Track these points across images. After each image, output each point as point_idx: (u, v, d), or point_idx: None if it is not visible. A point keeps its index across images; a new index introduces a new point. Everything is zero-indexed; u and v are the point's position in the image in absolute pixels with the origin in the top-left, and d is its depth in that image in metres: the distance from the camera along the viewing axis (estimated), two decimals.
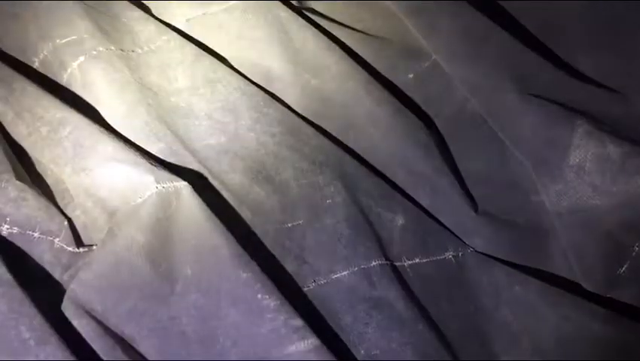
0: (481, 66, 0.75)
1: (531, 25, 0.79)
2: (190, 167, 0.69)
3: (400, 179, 0.75)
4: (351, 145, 0.76)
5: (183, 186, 0.64)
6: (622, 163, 0.66)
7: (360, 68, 0.79)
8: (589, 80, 0.74)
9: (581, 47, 0.77)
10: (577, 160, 0.68)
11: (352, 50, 0.81)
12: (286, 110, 0.76)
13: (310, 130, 0.75)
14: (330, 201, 0.70)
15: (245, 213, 0.68)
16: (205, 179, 0.68)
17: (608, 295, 0.67)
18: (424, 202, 0.74)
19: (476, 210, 0.73)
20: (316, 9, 0.85)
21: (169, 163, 0.68)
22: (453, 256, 0.71)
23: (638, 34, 0.75)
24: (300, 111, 0.77)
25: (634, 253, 0.66)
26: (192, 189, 0.64)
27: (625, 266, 0.66)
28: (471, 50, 0.76)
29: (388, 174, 0.76)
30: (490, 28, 0.76)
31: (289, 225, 0.69)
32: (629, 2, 0.76)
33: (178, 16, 0.80)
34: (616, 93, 0.72)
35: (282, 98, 0.78)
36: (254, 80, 0.77)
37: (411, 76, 0.81)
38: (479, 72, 0.75)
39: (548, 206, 0.70)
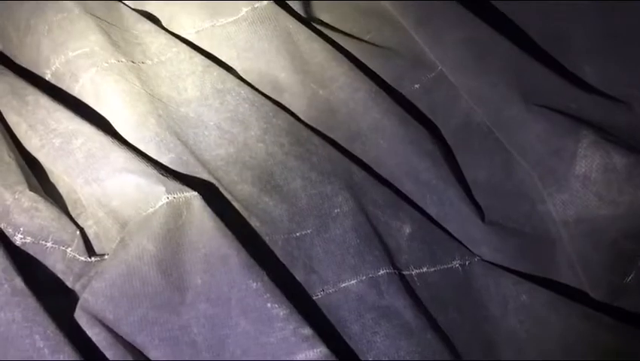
0: (486, 77, 0.76)
1: (536, 35, 0.80)
2: (200, 177, 0.70)
3: (407, 188, 0.76)
4: (358, 155, 0.77)
5: (193, 196, 0.65)
6: (627, 173, 0.67)
7: (367, 79, 0.79)
8: (594, 89, 0.75)
9: (586, 56, 0.77)
10: (583, 170, 0.68)
11: (359, 60, 0.82)
12: (294, 120, 0.76)
13: (318, 140, 0.75)
14: (338, 210, 0.71)
15: (254, 223, 0.69)
16: (215, 189, 0.69)
17: (614, 304, 0.67)
18: (431, 211, 0.75)
19: (483, 219, 0.74)
20: (324, 20, 0.86)
21: (180, 173, 0.69)
22: (460, 264, 0.71)
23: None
24: (308, 122, 0.78)
25: (639, 263, 0.66)
26: (202, 200, 0.65)
27: (631, 275, 0.67)
28: (477, 60, 0.76)
29: (395, 184, 0.76)
30: (495, 39, 0.77)
31: (297, 234, 0.69)
32: (633, 10, 0.77)
33: (187, 28, 0.81)
34: (621, 103, 0.73)
35: (291, 108, 0.79)
36: (263, 91, 0.78)
37: (417, 86, 0.82)
38: (484, 83, 0.75)
39: (554, 215, 0.70)
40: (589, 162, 0.68)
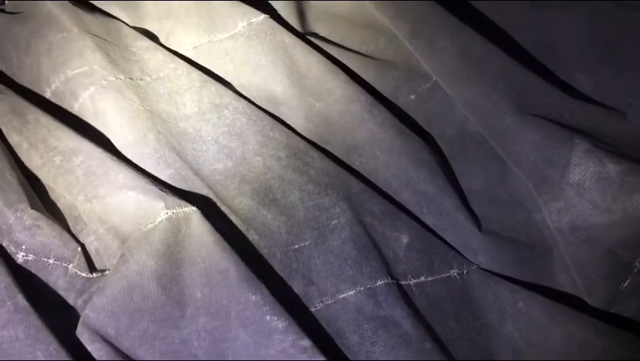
0: (481, 87, 0.76)
1: (529, 45, 0.81)
2: (199, 192, 0.71)
3: (404, 199, 0.77)
4: (355, 167, 0.78)
5: (192, 211, 0.66)
6: (621, 181, 0.67)
7: (363, 91, 0.80)
8: (587, 98, 0.76)
9: (579, 65, 0.78)
10: (577, 178, 0.69)
11: (355, 72, 0.83)
12: (292, 133, 0.77)
13: (315, 153, 0.76)
14: (335, 222, 0.72)
15: (252, 237, 0.70)
16: (214, 203, 0.70)
17: (611, 311, 0.68)
18: (428, 221, 0.76)
19: (479, 228, 0.74)
20: (320, 33, 0.87)
21: (179, 189, 0.70)
22: (458, 273, 0.72)
23: (636, 51, 0.76)
24: (305, 134, 0.79)
25: (635, 270, 0.67)
26: (201, 214, 0.65)
27: (627, 282, 0.67)
28: (471, 71, 0.77)
29: (392, 195, 0.77)
30: (489, 50, 0.78)
31: (296, 246, 0.70)
32: (625, 20, 0.78)
33: (184, 44, 0.82)
34: (614, 111, 0.74)
35: (288, 121, 0.80)
36: (260, 105, 0.79)
37: (413, 97, 0.82)
38: (479, 93, 0.76)
39: (550, 223, 0.71)
40: (583, 170, 0.69)
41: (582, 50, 0.78)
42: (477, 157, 0.77)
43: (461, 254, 0.73)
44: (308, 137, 0.79)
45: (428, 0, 0.82)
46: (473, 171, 0.77)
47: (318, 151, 0.77)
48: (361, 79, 0.83)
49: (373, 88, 0.83)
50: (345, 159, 0.78)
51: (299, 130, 0.79)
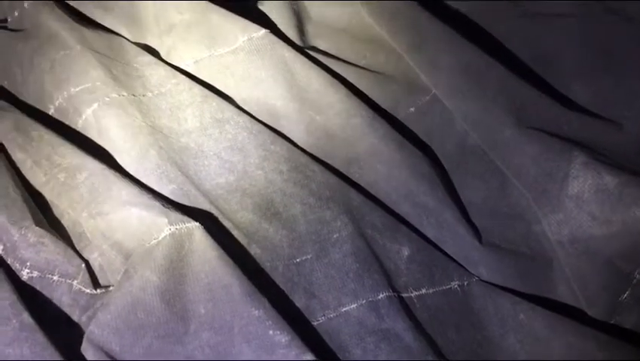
0: (480, 101, 0.77)
1: (527, 58, 0.82)
2: (202, 207, 0.71)
3: (405, 211, 0.77)
4: (356, 180, 0.79)
5: (195, 227, 0.66)
6: (619, 193, 0.68)
7: (363, 105, 0.81)
8: (585, 110, 0.76)
9: (577, 77, 0.79)
10: (576, 190, 0.70)
11: (355, 86, 0.84)
12: (292, 147, 0.78)
13: (316, 166, 0.77)
14: (337, 235, 0.72)
15: (255, 251, 0.70)
16: (216, 218, 0.71)
17: (611, 322, 0.68)
18: (429, 234, 0.76)
19: (480, 240, 0.75)
20: (320, 47, 0.88)
21: (181, 204, 0.70)
22: (459, 285, 0.73)
23: (631, 62, 0.77)
24: (306, 148, 0.80)
25: (634, 281, 0.67)
26: (204, 230, 0.66)
27: (626, 293, 0.68)
28: (470, 84, 0.78)
29: (393, 207, 0.78)
30: (488, 63, 0.78)
31: (298, 260, 0.71)
32: (620, 31, 0.79)
33: (186, 59, 0.83)
34: (612, 122, 0.75)
35: (289, 135, 0.80)
36: (261, 119, 0.80)
37: (413, 110, 0.83)
38: (478, 106, 0.77)
39: (549, 235, 0.71)
40: (582, 182, 0.70)
41: (579, 62, 0.79)
42: (477, 170, 0.78)
43: (462, 266, 0.74)
44: (309, 150, 0.79)
45: (428, 14, 0.83)
46: (474, 184, 0.78)
47: (319, 164, 0.77)
48: (361, 92, 0.84)
49: (373, 101, 0.84)
50: (346, 172, 0.79)
51: (300, 144, 0.80)
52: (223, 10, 0.82)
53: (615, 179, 0.68)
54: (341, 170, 0.79)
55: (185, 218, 0.66)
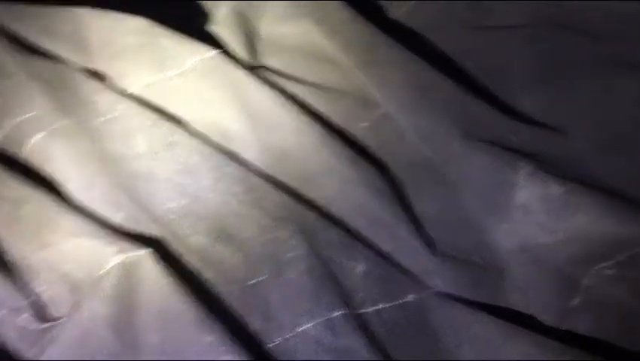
0: (430, 115, 0.78)
1: (476, 70, 0.83)
2: (153, 233, 0.71)
3: (360, 227, 0.78)
4: (311, 198, 0.79)
5: (146, 254, 0.66)
6: (564, 201, 0.69)
7: (316, 122, 0.81)
8: (532, 120, 0.78)
9: (524, 88, 0.80)
10: (523, 200, 0.71)
11: (307, 103, 0.84)
12: (246, 168, 0.78)
13: (270, 186, 0.77)
14: (292, 254, 0.72)
15: (209, 275, 0.70)
16: (168, 244, 0.70)
17: (563, 328, 0.70)
18: (385, 248, 0.77)
19: (435, 252, 0.75)
20: (271, 66, 0.88)
21: (132, 231, 0.70)
22: (415, 298, 0.73)
23: (577, 72, 0.79)
24: (259, 168, 0.79)
25: (583, 287, 0.69)
26: (155, 257, 0.66)
27: (577, 299, 0.69)
28: (420, 99, 0.79)
29: (348, 224, 0.78)
30: (437, 78, 0.80)
31: (253, 281, 0.71)
32: (566, 42, 0.81)
33: (135, 83, 0.82)
34: (558, 132, 0.76)
35: (242, 156, 0.80)
36: (213, 141, 0.80)
37: (366, 125, 0.84)
38: (428, 121, 0.78)
39: (500, 245, 0.73)
40: (529, 192, 0.71)
41: (526, 74, 0.81)
42: (430, 183, 0.79)
43: (418, 279, 0.74)
44: (263, 170, 0.79)
45: (377, 30, 0.84)
46: (427, 197, 0.79)
47: (273, 184, 0.77)
48: (314, 110, 0.84)
49: (327, 118, 0.84)
50: (300, 191, 0.79)
51: (253, 164, 0.80)
52: (171, 33, 0.82)
53: (561, 188, 0.70)
54: (296, 188, 0.79)
55: (135, 246, 0.66)
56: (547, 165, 0.73)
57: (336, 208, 0.78)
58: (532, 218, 0.70)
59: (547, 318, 0.70)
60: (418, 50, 0.83)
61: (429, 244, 0.76)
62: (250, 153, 0.80)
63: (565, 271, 0.69)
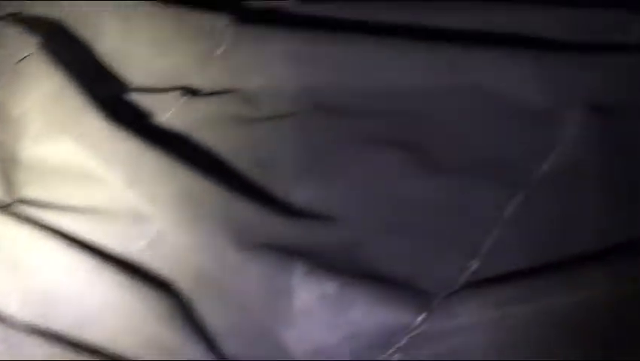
0: (203, 226, 0.76)
1: (247, 166, 0.81)
2: None
3: (151, 358, 0.73)
4: (88, 340, 0.73)
5: None
6: (339, 297, 0.70)
7: (87, 253, 0.76)
8: (302, 213, 0.77)
9: (294, 178, 0.79)
10: (303, 303, 0.71)
11: (73, 234, 0.78)
12: (4, 326, 0.70)
13: (35, 340, 0.70)
14: None
15: None
16: None
17: None
18: None
19: None
20: (29, 198, 0.81)
21: None
22: None
23: (340, 155, 0.79)
24: (25, 320, 0.72)
25: None
26: None
27: None
28: (190, 213, 0.77)
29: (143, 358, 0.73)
30: (206, 188, 0.77)
31: None
32: (328, 125, 0.81)
33: None
34: (326, 221, 0.76)
35: (3, 313, 0.72)
36: None
37: (143, 243, 0.79)
38: (202, 232, 0.76)
39: (294, 351, 0.71)
40: (307, 294, 0.71)
41: (294, 164, 0.80)
42: (217, 296, 0.76)
43: None
44: (28, 322, 0.72)
45: (141, 145, 0.80)
46: (217, 311, 0.76)
47: (38, 336, 0.70)
48: (85, 239, 0.78)
49: (99, 246, 0.78)
50: (73, 337, 0.72)
51: (17, 316, 0.72)
52: None
53: (335, 283, 0.70)
54: (67, 335, 0.72)
55: None
56: (321, 260, 0.72)
57: (121, 346, 0.73)
58: (316, 319, 0.70)
59: None
60: (187, 155, 0.81)
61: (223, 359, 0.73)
62: (12, 306, 0.72)
63: None
